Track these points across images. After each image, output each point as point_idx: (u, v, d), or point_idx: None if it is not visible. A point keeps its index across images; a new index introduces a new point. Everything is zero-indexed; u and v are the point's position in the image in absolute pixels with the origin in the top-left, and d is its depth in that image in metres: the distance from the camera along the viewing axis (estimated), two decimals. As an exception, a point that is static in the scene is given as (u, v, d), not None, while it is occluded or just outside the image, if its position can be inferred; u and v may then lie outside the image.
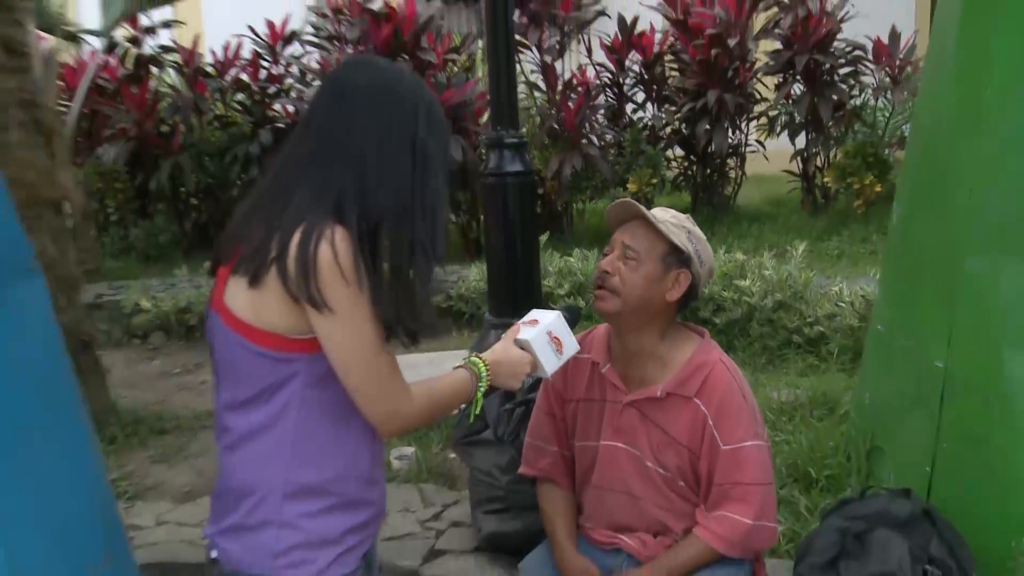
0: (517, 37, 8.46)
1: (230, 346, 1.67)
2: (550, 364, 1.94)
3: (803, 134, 8.53)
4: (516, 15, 8.43)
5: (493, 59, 4.26)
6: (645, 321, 2.16)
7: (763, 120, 8.83)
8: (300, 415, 1.66)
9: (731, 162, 8.95)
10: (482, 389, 1.85)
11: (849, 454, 3.24)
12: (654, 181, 8.11)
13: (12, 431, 1.69)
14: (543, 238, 6.55)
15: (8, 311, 1.75)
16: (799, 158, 8.67)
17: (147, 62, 8.76)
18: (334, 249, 1.55)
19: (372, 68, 1.75)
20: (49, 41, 7.61)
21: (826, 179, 8.25)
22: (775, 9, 8.54)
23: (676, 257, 2.14)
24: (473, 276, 6.22)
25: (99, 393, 4.22)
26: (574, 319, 2.06)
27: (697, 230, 2.21)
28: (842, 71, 8.41)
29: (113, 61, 8.72)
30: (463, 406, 1.90)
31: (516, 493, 2.87)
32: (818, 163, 8.64)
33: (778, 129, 8.70)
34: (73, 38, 8.86)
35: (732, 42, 8.16)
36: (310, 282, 1.55)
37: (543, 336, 1.94)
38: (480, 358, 1.87)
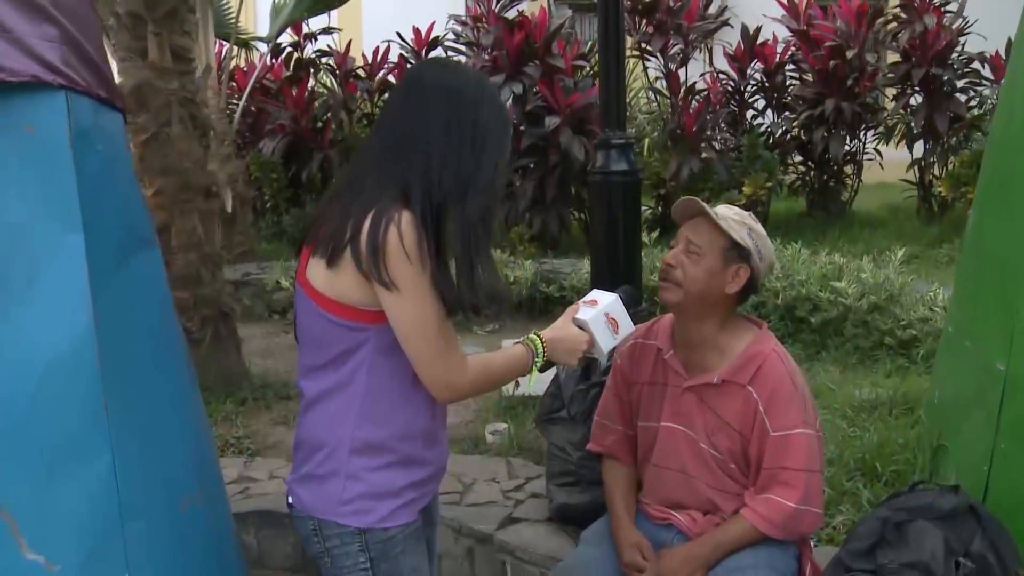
0: (643, 45, 8.48)
1: (311, 316, 1.80)
2: (606, 344, 1.98)
3: (921, 143, 8.22)
4: (643, 24, 8.45)
5: (604, 63, 4.30)
6: (705, 311, 2.20)
7: (881, 129, 8.56)
8: (369, 379, 1.77)
9: (848, 169, 8.71)
10: (538, 364, 1.90)
11: (916, 452, 3.17)
12: (769, 185, 7.97)
13: (127, 372, 1.88)
14: (654, 235, 6.56)
15: (129, 273, 1.94)
16: (916, 167, 8.36)
17: (306, 65, 9.18)
18: (400, 232, 1.65)
19: (438, 67, 1.87)
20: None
21: (941, 188, 7.92)
22: (895, 24, 8.27)
23: (736, 252, 2.17)
24: (587, 268, 6.26)
25: (234, 359, 4.51)
26: (633, 301, 2.08)
27: (759, 227, 2.24)
28: (959, 83, 8.06)
29: (278, 64, 9.19)
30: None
31: (586, 468, 2.92)
32: (935, 172, 8.30)
33: (896, 138, 8.42)
34: (245, 44, 9.39)
35: (851, 53, 7.94)
36: (379, 262, 1.66)
37: (601, 317, 1.97)
38: (538, 335, 1.92)
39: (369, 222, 1.68)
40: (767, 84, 8.76)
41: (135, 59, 4.13)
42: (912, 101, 8.21)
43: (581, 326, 1.97)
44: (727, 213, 2.21)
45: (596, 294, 2.05)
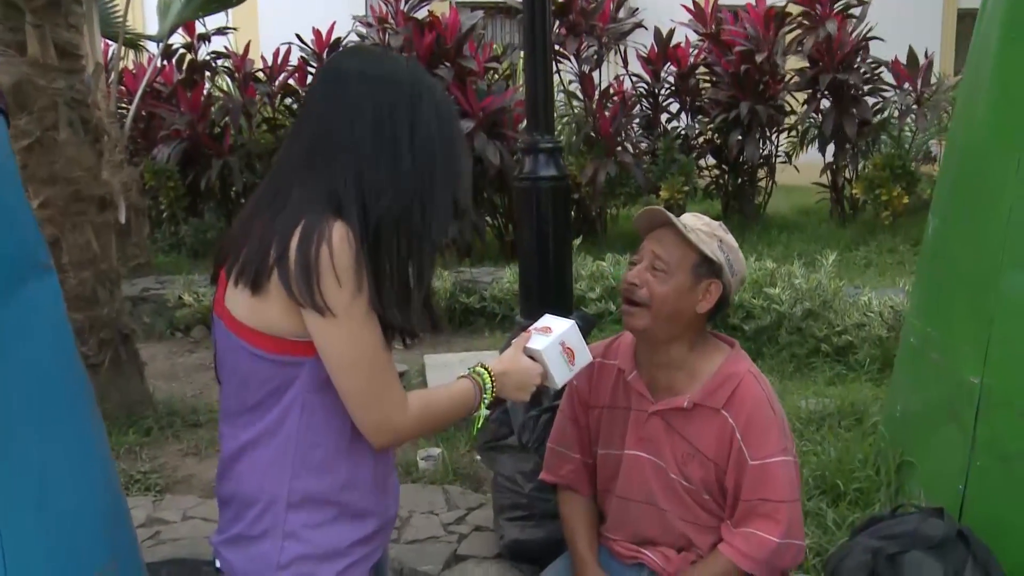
0: (556, 47, 8.32)
1: (232, 350, 1.52)
2: (561, 376, 1.76)
3: (831, 147, 8.33)
4: (556, 26, 8.29)
5: (531, 66, 4.11)
6: (675, 333, 1.98)
7: (793, 133, 8.66)
8: (303, 421, 1.50)
9: (761, 172, 8.76)
10: (486, 401, 1.66)
11: (878, 467, 3.04)
12: (686, 189, 7.92)
13: (16, 427, 1.56)
14: (576, 242, 6.39)
15: (17, 310, 1.62)
16: (828, 170, 8.47)
17: (201, 67, 8.73)
18: (331, 249, 1.39)
19: (366, 55, 1.59)
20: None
21: (854, 190, 8.02)
22: (799, 30, 8.37)
23: (707, 268, 1.95)
24: (507, 278, 6.08)
25: (136, 385, 4.12)
26: (588, 328, 1.87)
27: (729, 238, 2.03)
28: (866, 87, 8.20)
29: (170, 66, 8.71)
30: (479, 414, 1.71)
31: (539, 501, 2.71)
32: (846, 175, 8.42)
33: (807, 142, 8.52)
34: (134, 44, 8.86)
35: (760, 57, 7.98)
36: (312, 284, 1.39)
37: (556, 347, 1.75)
38: (486, 368, 1.68)
39: (297, 239, 1.40)
40: (681, 87, 8.73)
41: (11, 54, 3.70)
42: (822, 105, 8.29)
43: (533, 356, 1.74)
44: (695, 224, 2.00)
45: (549, 320, 1.82)
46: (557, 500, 2.27)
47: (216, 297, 1.57)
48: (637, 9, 9.14)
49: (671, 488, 2.02)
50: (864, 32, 8.15)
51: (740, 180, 8.72)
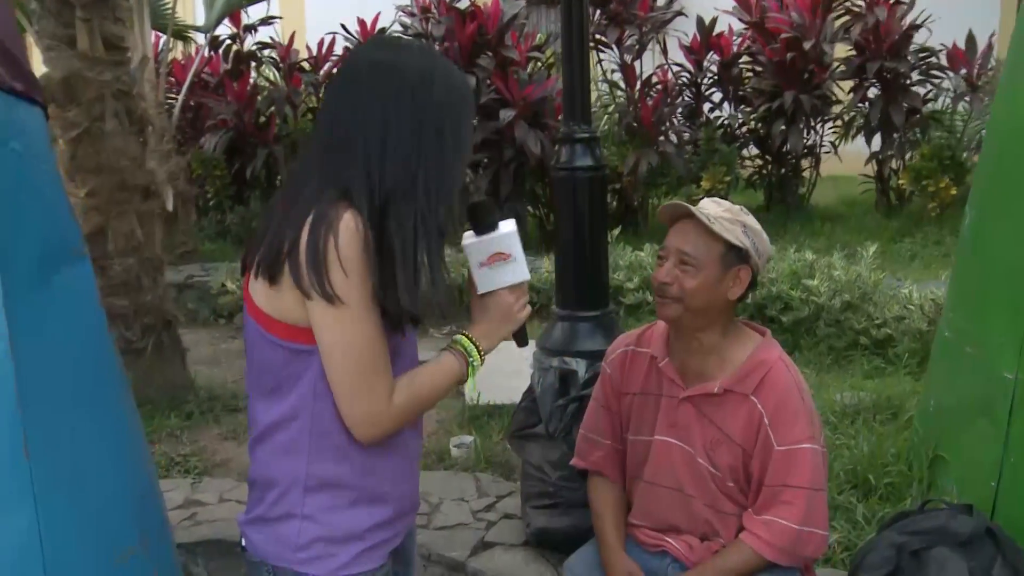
0: (597, 36, 8.29)
1: (252, 336, 1.56)
2: (514, 265, 1.60)
3: (878, 136, 8.17)
4: (596, 15, 8.26)
5: (567, 55, 4.10)
6: (708, 321, 2.01)
7: (838, 123, 8.51)
8: (317, 407, 1.54)
9: (806, 162, 8.64)
10: (475, 363, 1.62)
11: (911, 462, 3.01)
12: (727, 179, 7.84)
13: (53, 407, 1.62)
14: (615, 232, 6.38)
15: (51, 294, 1.67)
16: (874, 160, 8.32)
17: (247, 57, 8.83)
18: (337, 241, 1.41)
19: (381, 44, 1.61)
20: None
21: (901, 181, 7.87)
22: (847, 16, 8.22)
23: (735, 255, 1.97)
24: (547, 267, 6.08)
25: (178, 370, 4.21)
26: (483, 209, 1.65)
27: (751, 220, 2.04)
28: (916, 76, 8.03)
29: (217, 57, 8.83)
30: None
31: (566, 490, 2.72)
32: (893, 165, 8.26)
33: (853, 132, 8.37)
34: (182, 35, 9.00)
35: (807, 45, 7.85)
36: (322, 276, 1.42)
37: (476, 250, 1.61)
38: (464, 334, 1.64)
39: (307, 230, 1.43)
40: (723, 76, 8.63)
41: (62, 48, 3.80)
42: (869, 94, 8.13)
43: (484, 287, 1.63)
44: (717, 212, 2.00)
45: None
46: (586, 488, 2.29)
47: (244, 283, 1.61)
48: (676, -1, 9.09)
49: (698, 474, 2.04)
50: (916, 19, 7.96)
51: (783, 170, 8.60)
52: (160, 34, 7.94)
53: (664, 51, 8.84)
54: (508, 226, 1.64)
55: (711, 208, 2.01)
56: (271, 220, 1.53)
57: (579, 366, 2.92)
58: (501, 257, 1.61)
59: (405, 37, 1.63)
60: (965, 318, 2.83)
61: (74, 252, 1.81)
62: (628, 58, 8.14)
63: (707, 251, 1.96)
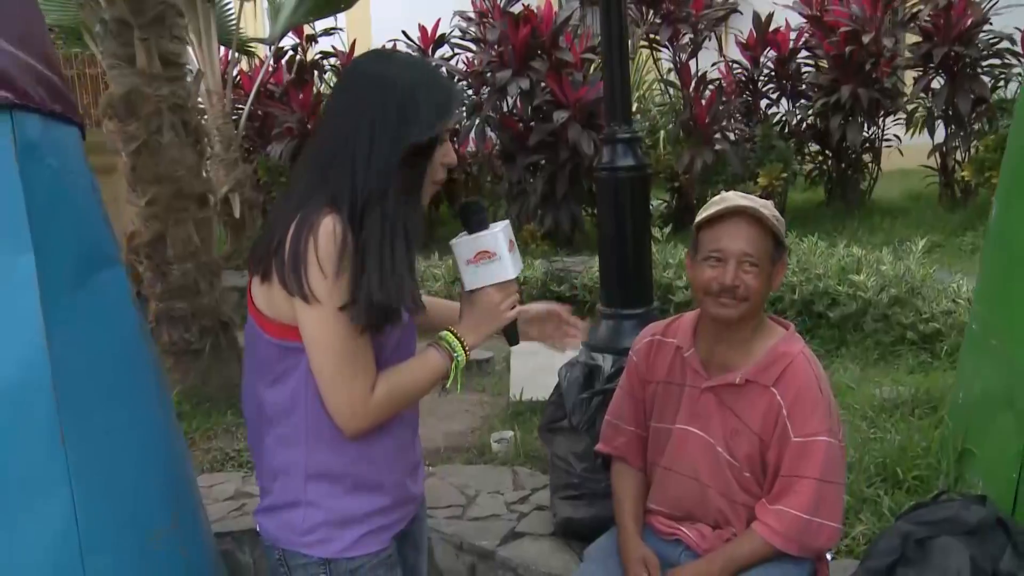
0: (651, 35, 8.31)
1: (252, 335, 1.70)
2: (500, 264, 1.67)
3: (942, 128, 7.99)
4: (651, 15, 8.28)
5: (607, 55, 4.18)
6: (753, 316, 2.07)
7: (900, 115, 8.34)
8: (311, 402, 1.65)
9: (866, 157, 8.51)
10: (459, 359, 1.70)
11: (940, 456, 3.01)
12: (784, 175, 7.78)
13: (88, 399, 1.79)
14: (666, 231, 6.41)
15: (87, 297, 1.84)
16: (938, 152, 8.14)
17: (310, 67, 9.09)
18: (315, 240, 1.53)
19: (376, 56, 1.73)
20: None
21: (964, 173, 7.69)
22: (916, 2, 8.05)
23: (779, 249, 2.06)
24: (598, 267, 6.14)
25: (235, 369, 4.39)
26: (473, 211, 1.74)
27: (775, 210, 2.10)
28: (986, 63, 7.80)
29: (280, 68, 9.11)
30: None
31: (590, 481, 2.80)
32: (958, 157, 8.07)
33: (917, 124, 8.19)
34: (245, 50, 9.31)
35: (867, 38, 7.73)
36: (300, 275, 1.54)
37: (464, 247, 1.69)
38: (449, 330, 1.72)
39: (292, 230, 1.55)
40: (780, 72, 8.56)
41: (123, 66, 4.04)
42: (934, 84, 7.94)
43: (471, 284, 1.71)
44: (761, 209, 2.03)
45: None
46: (608, 479, 2.36)
47: (247, 286, 1.74)
48: (734, -6, 9.04)
49: (716, 464, 2.09)
50: (991, 3, 7.72)
51: (843, 166, 8.48)
52: (227, 48, 8.24)
53: (721, 48, 8.81)
54: (497, 226, 1.71)
55: (747, 202, 2.04)
56: (270, 221, 1.67)
57: (604, 361, 2.99)
58: (487, 255, 1.67)
59: (400, 51, 1.72)
60: (990, 310, 2.82)
61: (108, 258, 1.97)
62: (683, 57, 8.14)
63: (763, 248, 2.02)
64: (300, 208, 1.57)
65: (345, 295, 1.55)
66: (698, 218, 2.09)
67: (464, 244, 1.70)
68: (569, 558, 2.78)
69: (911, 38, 8.31)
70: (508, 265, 1.69)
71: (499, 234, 1.69)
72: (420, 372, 1.70)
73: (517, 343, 1.82)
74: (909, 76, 8.49)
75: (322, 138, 1.66)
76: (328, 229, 1.53)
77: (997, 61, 7.85)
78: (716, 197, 2.11)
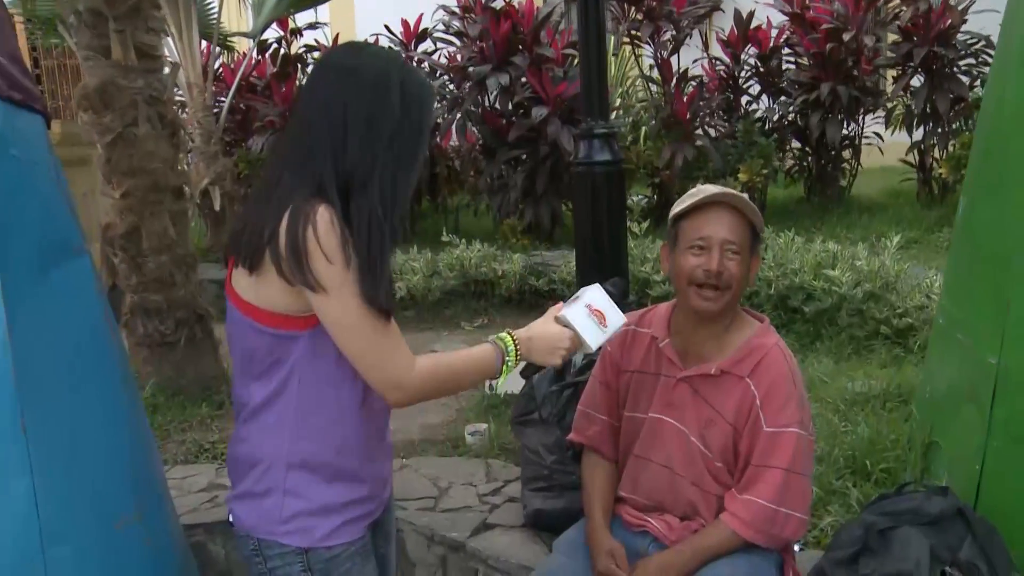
0: (633, 32, 8.32)
1: (238, 326, 1.70)
2: (593, 338, 1.86)
3: (921, 126, 8.04)
4: (633, 12, 8.29)
5: (584, 53, 4.20)
6: (732, 307, 2.11)
7: (880, 113, 8.38)
8: (300, 390, 1.68)
9: (846, 154, 8.55)
10: (509, 364, 1.78)
11: (907, 449, 3.04)
12: (765, 171, 7.81)
13: (49, 387, 1.78)
14: (644, 225, 6.42)
15: (51, 287, 1.83)
16: (916, 150, 8.20)
17: (293, 61, 9.05)
18: (316, 231, 1.54)
19: (349, 49, 1.74)
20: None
21: (941, 171, 7.74)
22: (897, 2, 8.09)
23: (756, 239, 2.10)
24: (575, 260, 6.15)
25: (210, 362, 4.40)
26: (621, 293, 1.99)
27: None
28: (963, 63, 7.86)
29: (264, 61, 9.06)
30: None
31: (560, 473, 2.82)
32: (935, 155, 8.13)
33: (896, 122, 8.24)
34: (226, 45, 9.26)
35: (848, 36, 7.77)
36: (302, 265, 1.55)
37: (582, 310, 1.86)
38: (510, 333, 1.80)
39: (286, 222, 1.57)
40: (762, 69, 8.59)
41: (98, 58, 4.01)
42: (914, 82, 7.99)
43: (564, 324, 1.85)
44: (740, 199, 2.08)
45: (580, 291, 1.93)
46: (578, 473, 2.38)
47: (227, 277, 1.74)
48: (719, -9, 9.05)
49: (688, 453, 2.12)
50: (968, 4, 7.77)
51: (823, 162, 8.53)
52: (209, 42, 8.19)
53: (705, 45, 8.83)
54: (620, 319, 1.91)
55: (724, 196, 2.08)
56: (250, 210, 1.67)
57: (576, 353, 3.00)
58: (600, 317, 1.86)
59: (368, 43, 1.75)
60: (955, 305, 2.85)
61: (73, 250, 1.96)
62: (664, 54, 8.15)
63: (744, 237, 2.06)
64: (288, 199, 1.58)
65: (356, 274, 1.58)
66: (677, 209, 2.11)
67: (601, 295, 1.89)
68: (539, 549, 2.79)
69: (891, 37, 8.34)
70: (596, 340, 1.86)
71: (620, 325, 1.90)
72: (470, 360, 1.75)
73: (529, 376, 2.02)
74: (889, 74, 8.51)
75: (298, 130, 1.67)
76: (326, 218, 1.55)
77: (974, 61, 7.91)
78: (692, 189, 2.13)
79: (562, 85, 7.28)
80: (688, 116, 7.70)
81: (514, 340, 1.78)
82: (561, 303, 1.91)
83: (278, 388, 1.68)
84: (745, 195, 2.13)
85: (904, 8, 8.04)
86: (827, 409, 3.66)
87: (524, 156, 7.63)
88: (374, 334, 1.61)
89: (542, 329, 1.83)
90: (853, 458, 3.12)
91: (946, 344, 2.90)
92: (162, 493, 2.15)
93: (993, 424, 2.51)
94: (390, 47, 5.58)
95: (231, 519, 1.82)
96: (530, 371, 1.93)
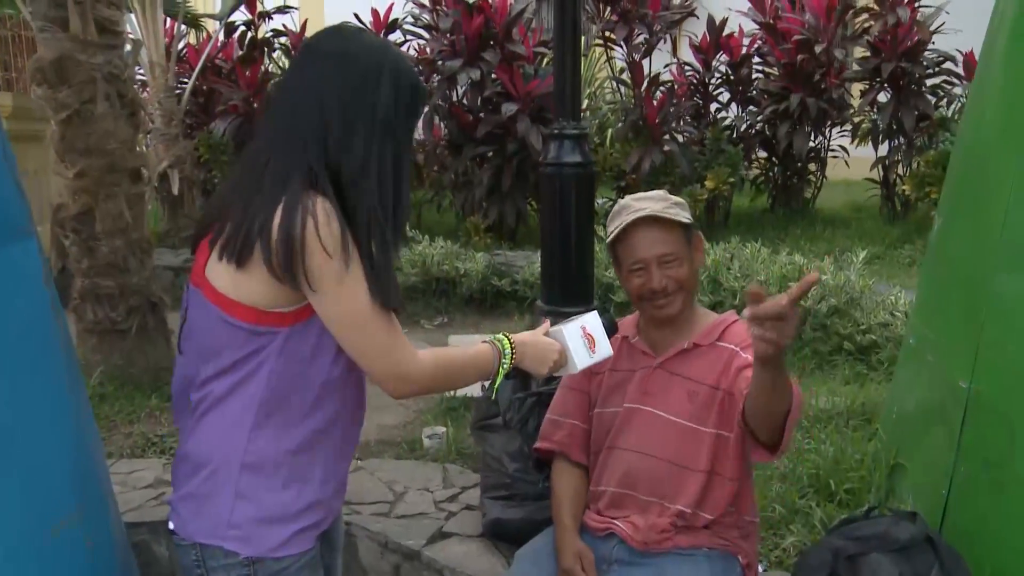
0: (606, 33, 8.27)
1: (208, 319, 1.60)
2: (580, 359, 1.89)
3: (887, 142, 8.10)
4: (607, 12, 8.24)
5: (559, 53, 4.12)
6: (691, 299, 2.16)
7: (847, 126, 8.44)
8: (268, 386, 1.59)
9: (812, 166, 8.59)
10: (504, 366, 1.76)
11: (871, 469, 3.00)
12: (731, 180, 7.81)
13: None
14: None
15: (-4, 270, 1.71)
16: (880, 165, 8.25)
17: (261, 45, 8.88)
18: (315, 222, 1.47)
19: (335, 34, 1.65)
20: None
21: (904, 187, 7.80)
22: (866, 17, 8.14)
23: (688, 229, 2.12)
24: (540, 263, 6.08)
25: (162, 352, 4.24)
26: (610, 331, 1.98)
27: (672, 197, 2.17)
28: (930, 81, 7.93)
29: (231, 44, 8.87)
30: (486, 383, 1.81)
31: (522, 482, 2.74)
32: (899, 171, 8.19)
33: (862, 136, 8.29)
34: (195, 23, 9.06)
35: (819, 48, 7.79)
36: (295, 261, 1.48)
37: (577, 330, 1.89)
38: (507, 336, 1.79)
39: (280, 215, 1.48)
40: (732, 77, 8.60)
41: (54, 29, 3.84)
42: (881, 98, 8.04)
43: (556, 338, 1.88)
44: (658, 205, 2.09)
45: (575, 317, 1.97)
46: (541, 481, 2.36)
47: (195, 268, 1.64)
48: (692, -2, 9.05)
49: (664, 435, 2.11)
50: (935, 22, 7.83)
51: (788, 173, 8.56)
52: (174, 20, 8.00)
53: (675, 50, 8.81)
54: (609, 352, 1.95)
55: (651, 204, 2.09)
56: (231, 202, 1.57)
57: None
58: (592, 342, 1.90)
59: (359, 28, 1.67)
60: (927, 325, 2.83)
61: (18, 230, 1.84)
62: (636, 56, 8.11)
63: (676, 241, 2.08)
64: (280, 191, 1.50)
65: (359, 266, 1.52)
66: (607, 238, 2.16)
67: (596, 320, 1.92)
68: (497, 560, 2.71)
69: (858, 51, 8.39)
70: (582, 362, 1.89)
71: (605, 357, 1.94)
72: (468, 357, 1.73)
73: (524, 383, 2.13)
74: (856, 88, 8.57)
75: (286, 118, 1.58)
76: (325, 210, 1.49)
77: (940, 79, 7.99)
78: (615, 208, 2.16)
79: (533, 82, 7.22)
80: (657, 120, 7.67)
81: (511, 343, 1.78)
82: (547, 320, 1.96)
83: (246, 384, 1.59)
84: (660, 192, 2.15)
85: (873, 22, 8.08)
86: (790, 424, 3.62)
87: (491, 153, 7.55)
88: (380, 330, 1.56)
89: (536, 338, 1.85)
90: (817, 476, 3.08)
91: (916, 365, 2.87)
92: (106, 491, 2.03)
93: (962, 448, 2.49)
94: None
95: (171, 526, 1.71)
96: (517, 374, 1.97)
